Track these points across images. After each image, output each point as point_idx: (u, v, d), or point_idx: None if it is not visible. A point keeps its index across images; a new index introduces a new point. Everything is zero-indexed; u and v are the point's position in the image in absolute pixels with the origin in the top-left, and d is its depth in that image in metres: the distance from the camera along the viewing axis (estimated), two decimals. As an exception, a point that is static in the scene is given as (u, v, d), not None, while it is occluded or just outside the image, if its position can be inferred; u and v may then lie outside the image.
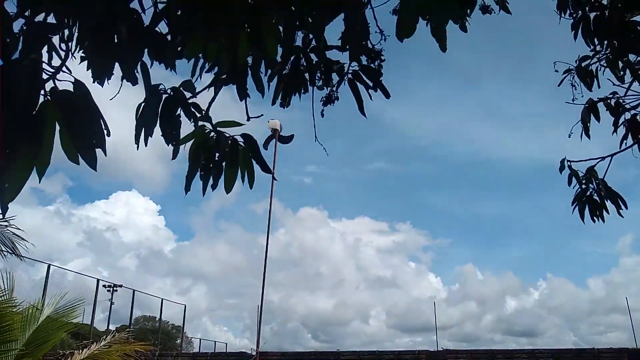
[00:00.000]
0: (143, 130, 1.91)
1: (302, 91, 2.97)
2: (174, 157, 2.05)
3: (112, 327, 19.69)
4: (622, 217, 4.14)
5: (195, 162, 2.26)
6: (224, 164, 2.25)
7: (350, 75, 2.97)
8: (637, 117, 4.16)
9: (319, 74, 2.99)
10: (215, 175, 2.26)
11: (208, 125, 2.20)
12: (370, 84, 2.91)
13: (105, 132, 1.66)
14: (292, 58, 2.84)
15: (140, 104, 1.94)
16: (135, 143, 1.90)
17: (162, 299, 23.87)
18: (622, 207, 4.17)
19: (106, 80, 1.73)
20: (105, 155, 1.69)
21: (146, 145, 1.90)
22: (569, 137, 4.33)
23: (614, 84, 4.21)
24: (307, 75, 2.95)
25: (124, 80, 1.81)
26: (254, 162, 2.30)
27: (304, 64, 2.91)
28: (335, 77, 3.01)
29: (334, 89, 3.08)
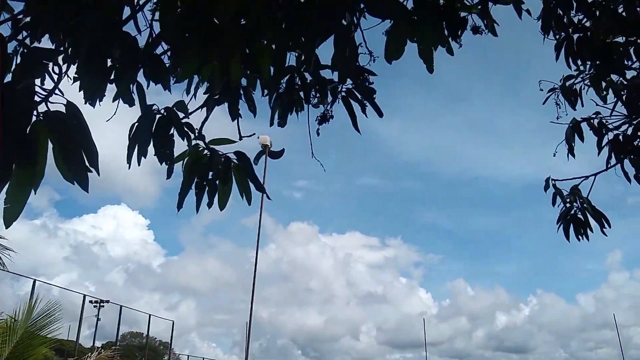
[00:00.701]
0: (136, 149, 1.92)
1: (298, 109, 3.00)
2: (168, 176, 2.06)
3: (98, 344, 19.37)
4: (606, 235, 4.19)
5: (189, 179, 2.28)
6: (217, 181, 2.27)
7: (344, 93, 3.00)
8: (620, 137, 4.24)
9: (313, 93, 3.02)
10: (210, 192, 2.28)
11: (201, 143, 2.21)
12: (364, 102, 2.95)
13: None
14: (286, 77, 2.87)
15: (133, 124, 1.95)
16: (127, 162, 1.91)
17: (150, 315, 23.57)
18: (606, 225, 4.22)
19: (98, 101, 1.74)
20: (99, 175, 1.69)
21: (139, 164, 1.91)
22: (554, 156, 4.40)
23: (597, 104, 4.30)
24: (302, 94, 2.98)
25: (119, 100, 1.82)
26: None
27: (299, 82, 2.94)
28: (329, 95, 3.05)
29: (329, 107, 3.11)
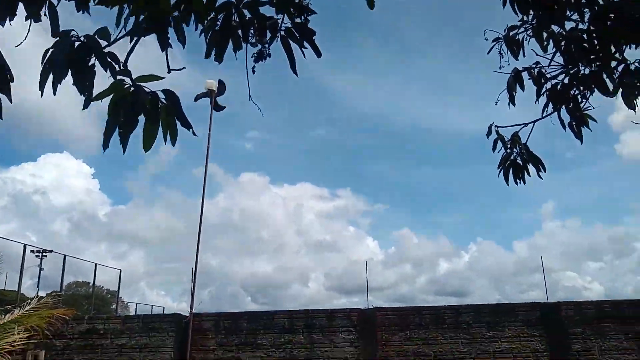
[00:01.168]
0: (51, 77, 1.78)
1: (236, 48, 2.90)
2: (85, 107, 1.93)
3: (42, 293, 18.99)
4: (542, 179, 4.40)
5: (114, 118, 2.16)
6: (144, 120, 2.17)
7: (283, 33, 2.92)
8: (558, 86, 4.36)
9: (252, 31, 2.92)
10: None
11: (127, 79, 2.08)
12: (303, 42, 2.88)
13: (8, 76, 1.54)
14: (223, 14, 2.75)
15: (47, 50, 1.80)
16: (40, 90, 1.77)
17: (96, 264, 23.26)
18: (542, 170, 4.42)
19: (8, 20, 1.59)
20: (11, 102, 1.57)
21: (54, 93, 1.78)
22: (496, 104, 4.49)
23: (537, 54, 4.38)
24: (240, 32, 2.87)
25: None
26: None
27: (237, 20, 2.83)
28: (268, 34, 2.96)
29: (267, 46, 3.03)
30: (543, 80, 4.38)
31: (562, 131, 4.32)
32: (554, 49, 4.35)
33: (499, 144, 4.59)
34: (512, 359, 9.75)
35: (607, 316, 9.87)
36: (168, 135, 2.09)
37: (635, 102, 3.72)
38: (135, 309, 31.90)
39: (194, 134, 2.16)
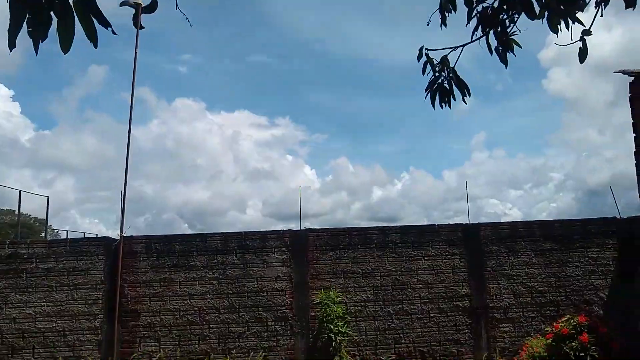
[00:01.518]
0: None
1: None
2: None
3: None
4: (466, 103, 4.52)
5: (17, 14, 1.95)
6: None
7: None
8: (488, 10, 4.39)
9: None
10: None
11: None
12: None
13: None
14: None
15: None
16: None
17: (20, 191, 22.07)
18: (467, 95, 4.53)
19: None
20: None
21: None
22: (428, 24, 4.48)
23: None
24: None
25: None
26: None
27: None
28: None
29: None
30: (475, 3, 4.39)
31: (496, 65, 4.42)
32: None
33: (428, 67, 4.63)
34: (433, 275, 10.48)
35: (520, 236, 10.72)
36: (88, 36, 1.92)
37: (559, 26, 3.82)
38: (67, 237, 31.02)
39: (113, 32, 2.01)
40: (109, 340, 9.63)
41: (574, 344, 9.15)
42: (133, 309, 9.90)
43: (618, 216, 11.01)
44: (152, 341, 9.79)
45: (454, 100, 4.53)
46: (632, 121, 9.92)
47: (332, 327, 9.69)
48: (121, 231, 9.91)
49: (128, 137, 10.14)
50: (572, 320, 9.63)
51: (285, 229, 10.54)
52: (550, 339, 9.60)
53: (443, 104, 4.56)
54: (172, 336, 9.83)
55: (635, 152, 9.92)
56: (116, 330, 9.67)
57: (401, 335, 10.21)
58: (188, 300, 10.00)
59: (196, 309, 9.98)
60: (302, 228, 10.64)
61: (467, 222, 10.74)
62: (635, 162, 9.95)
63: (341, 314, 9.85)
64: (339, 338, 9.64)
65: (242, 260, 10.21)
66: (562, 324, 9.67)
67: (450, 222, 10.75)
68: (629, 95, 10.01)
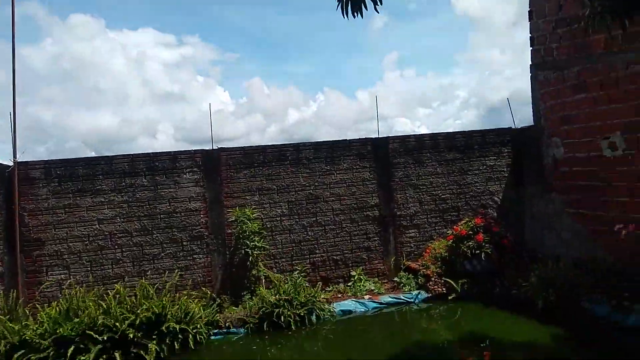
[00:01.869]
0: None
1: None
2: None
3: None
4: (378, 12, 4.46)
5: None
6: None
7: None
8: None
9: None
10: None
11: None
12: None
13: None
14: None
15: None
16: None
17: None
18: (379, 3, 4.46)
19: None
20: None
21: None
22: None
23: None
24: None
25: None
26: None
27: None
28: None
29: None
30: None
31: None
32: None
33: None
34: (345, 187, 10.85)
35: (425, 147, 11.27)
36: None
37: None
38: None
39: None
40: (12, 271, 9.12)
41: (470, 243, 10.07)
42: (36, 238, 9.37)
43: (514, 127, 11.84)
44: (61, 269, 9.42)
45: (366, 9, 4.45)
46: (530, 35, 10.40)
47: (248, 242, 9.86)
48: (14, 156, 9.11)
49: (12, 56, 9.05)
50: (469, 223, 10.52)
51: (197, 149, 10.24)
52: (451, 241, 10.48)
53: (355, 14, 4.47)
54: (82, 262, 9.51)
55: (530, 65, 10.51)
56: (18, 260, 9.16)
57: (315, 245, 10.65)
58: (97, 225, 9.62)
59: (106, 233, 9.65)
60: (215, 147, 10.39)
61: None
62: (530, 75, 10.58)
63: (257, 230, 10.01)
64: (255, 252, 9.86)
65: (152, 182, 9.88)
66: (461, 227, 10.55)
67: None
68: (529, 9, 10.41)
